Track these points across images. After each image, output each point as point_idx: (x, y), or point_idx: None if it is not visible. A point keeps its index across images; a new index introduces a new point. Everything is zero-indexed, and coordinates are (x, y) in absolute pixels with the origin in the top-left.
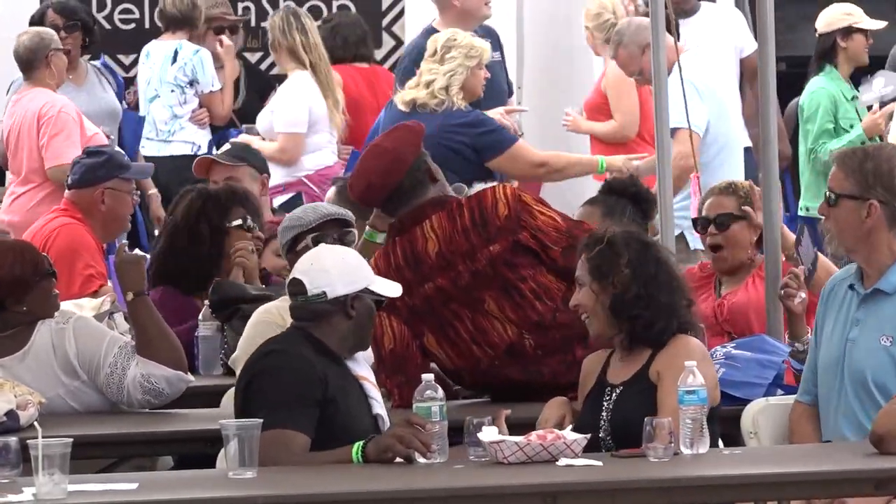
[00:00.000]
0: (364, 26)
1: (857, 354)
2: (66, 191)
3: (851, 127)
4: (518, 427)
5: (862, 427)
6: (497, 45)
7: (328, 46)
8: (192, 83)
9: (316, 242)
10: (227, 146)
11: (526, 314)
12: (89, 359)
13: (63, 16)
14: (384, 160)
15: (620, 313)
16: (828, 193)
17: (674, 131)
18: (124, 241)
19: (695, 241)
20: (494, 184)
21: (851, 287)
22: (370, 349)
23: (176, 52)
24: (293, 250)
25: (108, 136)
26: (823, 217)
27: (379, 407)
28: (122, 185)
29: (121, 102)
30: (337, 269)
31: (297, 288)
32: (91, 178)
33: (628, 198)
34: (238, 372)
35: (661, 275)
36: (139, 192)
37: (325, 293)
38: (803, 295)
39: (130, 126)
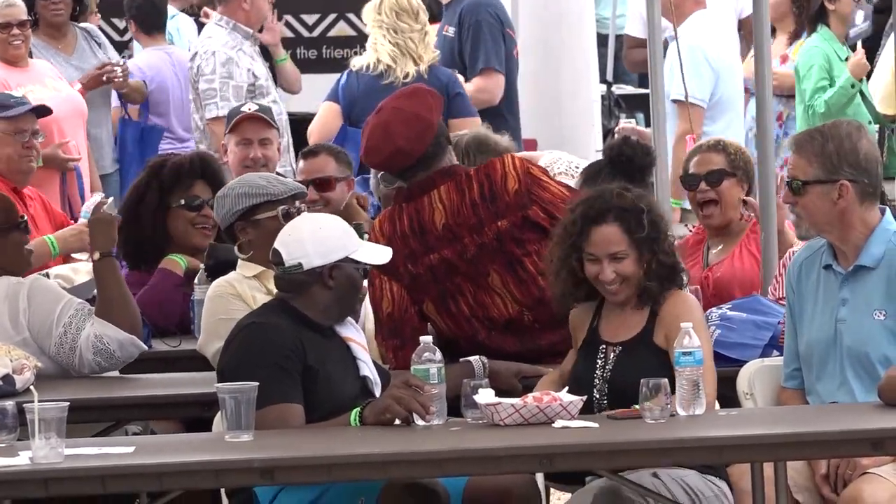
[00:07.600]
0: None
1: (853, 334)
2: None
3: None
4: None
5: None
6: (456, 20)
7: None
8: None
9: (285, 215)
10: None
11: (529, 290)
12: (41, 320)
13: None
14: (414, 126)
15: (653, 276)
16: (791, 182)
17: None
18: (107, 197)
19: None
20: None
21: (827, 268)
22: (365, 311)
23: None
24: (246, 218)
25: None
26: (790, 204)
27: (367, 369)
28: (4, 125)
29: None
30: (312, 240)
31: (276, 258)
32: None
33: (608, 162)
34: (205, 353)
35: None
36: None
37: (300, 264)
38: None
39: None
